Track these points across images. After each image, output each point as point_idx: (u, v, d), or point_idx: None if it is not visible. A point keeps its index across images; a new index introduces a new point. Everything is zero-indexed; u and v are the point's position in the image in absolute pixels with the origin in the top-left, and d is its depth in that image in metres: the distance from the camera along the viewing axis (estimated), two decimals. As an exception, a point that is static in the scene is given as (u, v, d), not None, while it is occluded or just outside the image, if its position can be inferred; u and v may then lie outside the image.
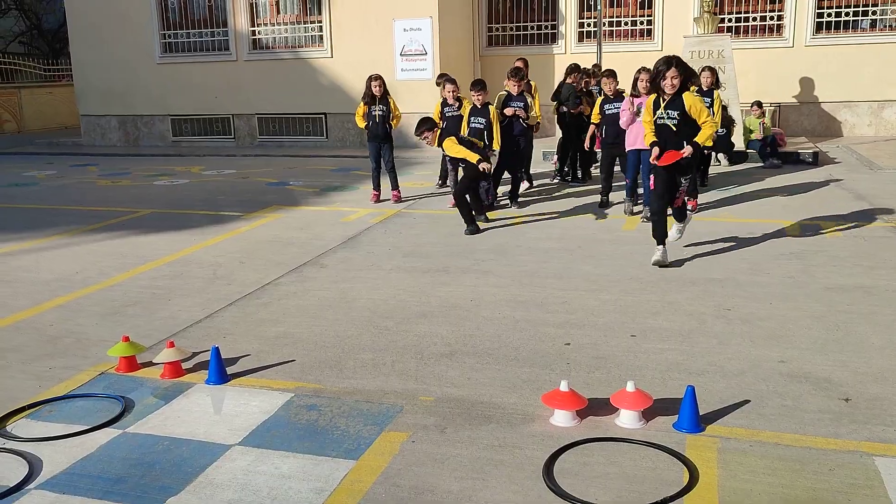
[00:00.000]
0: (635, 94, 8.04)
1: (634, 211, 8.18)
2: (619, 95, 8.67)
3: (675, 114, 5.99)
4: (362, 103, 9.25)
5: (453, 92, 8.87)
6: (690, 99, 6.01)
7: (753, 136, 12.15)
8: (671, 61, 5.96)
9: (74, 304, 5.59)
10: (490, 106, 8.36)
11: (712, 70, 10.16)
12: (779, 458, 3.20)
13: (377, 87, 9.12)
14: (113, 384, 4.16)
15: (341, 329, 4.93)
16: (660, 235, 6.20)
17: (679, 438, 3.39)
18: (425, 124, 7.95)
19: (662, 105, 6.05)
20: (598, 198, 8.90)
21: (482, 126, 8.25)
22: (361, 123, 9.31)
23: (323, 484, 3.09)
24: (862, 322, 4.81)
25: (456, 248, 7.05)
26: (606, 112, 8.64)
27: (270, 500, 2.98)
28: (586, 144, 9.45)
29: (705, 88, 10.01)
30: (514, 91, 8.75)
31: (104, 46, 16.69)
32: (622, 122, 8.07)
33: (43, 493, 3.07)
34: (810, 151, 11.94)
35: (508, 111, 8.66)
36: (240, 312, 5.33)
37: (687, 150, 5.95)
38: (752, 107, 12.41)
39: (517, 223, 8.09)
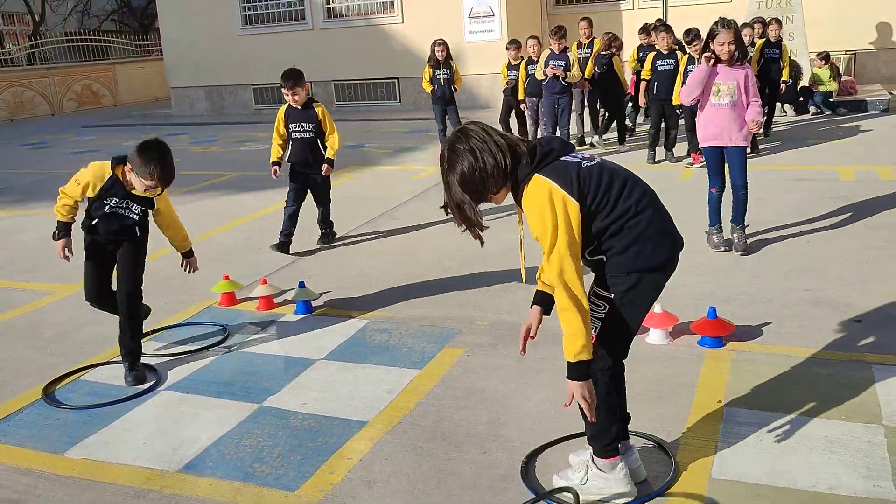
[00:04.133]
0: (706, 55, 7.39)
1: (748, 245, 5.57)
2: (672, 51, 8.86)
3: None
4: (428, 67, 9.77)
5: (534, 46, 9.37)
6: None
7: (823, 88, 12.09)
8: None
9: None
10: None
11: (779, 22, 10.24)
12: (786, 365, 3.66)
13: (441, 52, 9.61)
14: (217, 315, 4.91)
15: (410, 269, 5.55)
16: None
17: (700, 352, 3.88)
18: None
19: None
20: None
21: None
22: (428, 87, 9.84)
23: (392, 387, 3.72)
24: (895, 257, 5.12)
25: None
26: (658, 68, 8.84)
27: (349, 398, 3.64)
28: (641, 101, 9.64)
29: (773, 40, 10.12)
30: (557, 49, 9.04)
31: (190, 22, 17.66)
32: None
33: (171, 393, 3.83)
34: (881, 99, 11.82)
35: (549, 70, 9.00)
36: (321, 258, 6.02)
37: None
38: (818, 58, 12.31)
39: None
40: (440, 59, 9.62)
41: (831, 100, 11.91)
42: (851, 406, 3.25)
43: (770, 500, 2.68)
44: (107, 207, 3.88)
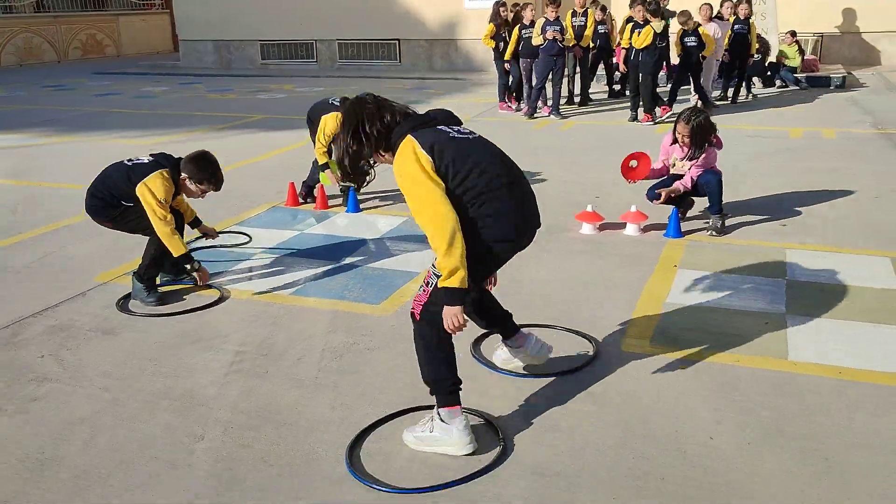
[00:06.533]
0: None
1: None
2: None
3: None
4: (493, 25, 10.85)
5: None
6: None
7: (788, 63, 13.42)
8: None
9: (235, 172, 7.54)
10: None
11: (749, 1, 11.49)
12: (725, 250, 4.99)
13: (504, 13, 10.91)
14: (282, 212, 6.12)
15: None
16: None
17: (664, 241, 5.18)
18: None
19: None
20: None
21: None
22: (490, 44, 10.95)
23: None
24: (823, 186, 6.48)
25: (518, 146, 8.79)
26: (687, 45, 10.19)
27: (405, 259, 4.91)
28: (622, 67, 10.88)
29: (742, 17, 11.39)
30: (552, 16, 10.24)
31: (201, -23, 18.55)
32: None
33: (268, 255, 5.07)
34: (838, 75, 13.19)
35: (548, 34, 10.20)
36: (357, 178, 7.23)
37: None
38: (787, 35, 13.63)
39: (565, 129, 9.78)
40: (508, 19, 10.82)
41: (795, 75, 13.25)
42: (766, 270, 4.60)
43: (700, 312, 3.99)
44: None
